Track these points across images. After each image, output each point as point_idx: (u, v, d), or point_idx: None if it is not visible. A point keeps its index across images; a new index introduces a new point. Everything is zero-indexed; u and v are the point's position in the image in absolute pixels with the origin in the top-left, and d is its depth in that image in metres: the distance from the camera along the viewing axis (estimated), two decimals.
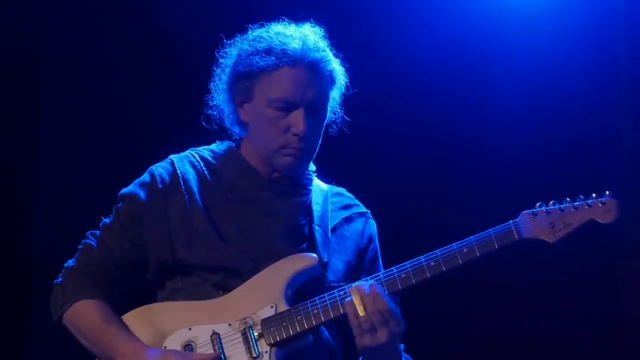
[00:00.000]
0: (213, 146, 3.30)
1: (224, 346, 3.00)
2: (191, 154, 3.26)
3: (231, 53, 3.24)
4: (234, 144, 3.28)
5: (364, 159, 4.85)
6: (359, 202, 3.39)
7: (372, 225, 3.36)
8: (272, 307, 3.00)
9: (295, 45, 3.08)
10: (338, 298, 3.03)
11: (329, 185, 3.36)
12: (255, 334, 3.00)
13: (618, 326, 4.77)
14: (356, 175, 4.44)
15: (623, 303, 4.74)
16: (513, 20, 4.83)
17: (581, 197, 3.08)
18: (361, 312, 2.95)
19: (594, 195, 3.07)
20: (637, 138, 4.70)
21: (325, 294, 3.05)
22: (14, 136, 4.82)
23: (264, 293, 3.02)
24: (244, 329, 3.00)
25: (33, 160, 4.87)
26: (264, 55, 3.08)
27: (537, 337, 4.90)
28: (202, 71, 4.77)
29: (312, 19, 3.26)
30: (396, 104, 4.91)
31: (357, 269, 3.24)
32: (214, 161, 3.22)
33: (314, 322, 3.01)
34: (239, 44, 3.23)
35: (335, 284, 3.13)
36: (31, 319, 4.74)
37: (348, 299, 2.98)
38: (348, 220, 3.30)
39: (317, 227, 3.16)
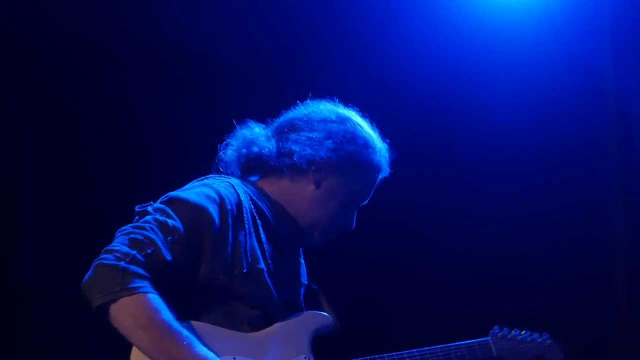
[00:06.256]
0: (236, 180, 3.26)
1: None
2: (241, 183, 3.24)
3: (323, 116, 3.27)
4: (256, 180, 3.30)
5: None
6: None
7: None
8: (305, 357, 3.17)
9: (383, 159, 3.30)
10: None
11: None
12: None
13: (617, 327, 4.77)
14: None
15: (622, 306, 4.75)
16: (501, 33, 4.81)
17: (529, 332, 3.50)
18: None
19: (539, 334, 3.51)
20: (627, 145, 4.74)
21: None
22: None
23: (295, 343, 3.18)
24: None
25: (20, 179, 4.77)
26: (371, 152, 3.26)
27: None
28: (201, 78, 4.74)
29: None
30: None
31: None
32: (254, 197, 3.24)
33: None
34: (331, 112, 3.27)
35: None
36: (18, 343, 4.62)
37: None
38: None
39: (314, 287, 3.36)
